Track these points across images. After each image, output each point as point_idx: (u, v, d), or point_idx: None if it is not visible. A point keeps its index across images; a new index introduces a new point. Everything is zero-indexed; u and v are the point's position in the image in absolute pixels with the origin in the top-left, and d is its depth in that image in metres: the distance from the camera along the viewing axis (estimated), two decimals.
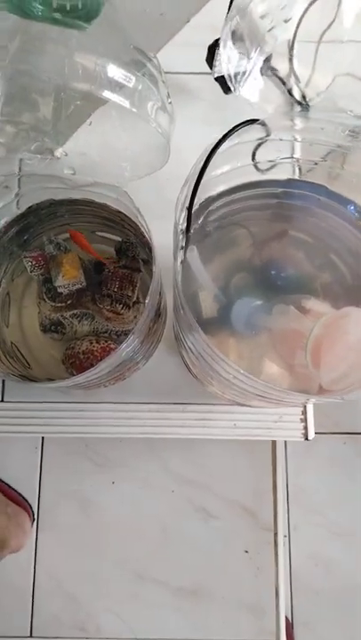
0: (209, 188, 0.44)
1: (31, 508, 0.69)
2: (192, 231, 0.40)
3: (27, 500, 0.69)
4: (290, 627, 0.72)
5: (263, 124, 0.38)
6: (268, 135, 0.40)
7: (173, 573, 0.69)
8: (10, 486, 0.69)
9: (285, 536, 0.73)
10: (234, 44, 0.44)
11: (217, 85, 0.55)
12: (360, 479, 0.75)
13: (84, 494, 0.70)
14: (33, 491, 0.70)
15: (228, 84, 0.46)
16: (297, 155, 0.45)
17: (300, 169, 0.46)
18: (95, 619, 0.68)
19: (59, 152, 0.51)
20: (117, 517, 0.70)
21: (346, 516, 0.74)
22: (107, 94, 0.33)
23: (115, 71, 0.33)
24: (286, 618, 0.69)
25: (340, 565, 0.73)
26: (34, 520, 0.69)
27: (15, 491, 0.69)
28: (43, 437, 0.70)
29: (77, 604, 0.68)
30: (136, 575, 0.69)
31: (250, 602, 0.69)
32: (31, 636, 0.67)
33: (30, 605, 0.68)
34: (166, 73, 0.46)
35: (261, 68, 0.46)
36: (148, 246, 0.47)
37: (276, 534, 0.66)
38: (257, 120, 0.38)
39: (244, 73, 0.45)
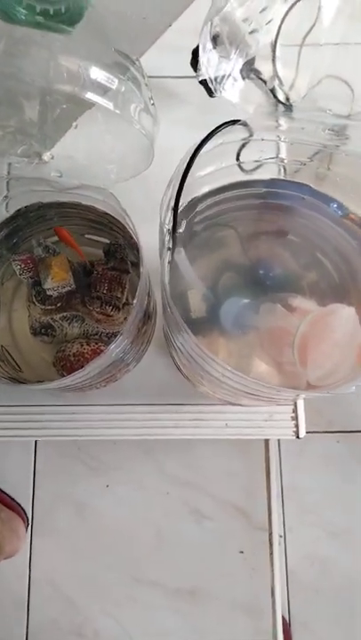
0: (195, 189, 0.44)
1: (25, 512, 0.69)
2: (179, 232, 0.41)
3: (20, 505, 0.69)
4: (287, 626, 0.72)
5: (245, 125, 0.39)
6: (250, 135, 0.41)
7: (169, 575, 0.69)
8: (3, 491, 0.69)
9: (281, 536, 0.73)
10: (215, 47, 0.44)
11: (203, 89, 0.56)
12: (354, 477, 0.76)
13: (78, 498, 0.70)
14: (27, 496, 0.70)
15: (210, 86, 0.46)
16: (282, 155, 0.46)
17: (284, 169, 0.47)
18: (92, 623, 0.67)
19: (47, 155, 0.51)
20: (112, 520, 0.70)
21: (341, 515, 0.74)
22: (90, 96, 0.33)
23: (98, 73, 0.34)
24: (283, 617, 0.70)
25: (336, 564, 0.73)
26: (28, 525, 0.69)
27: (8, 496, 0.69)
28: (36, 442, 0.70)
29: (74, 608, 0.68)
30: (132, 578, 0.69)
31: (246, 602, 0.69)
32: None
33: (26, 611, 0.67)
34: (152, 77, 0.47)
35: (243, 71, 0.47)
36: (136, 248, 0.47)
37: (270, 534, 0.66)
38: (238, 120, 0.38)
39: (224, 75, 0.46)
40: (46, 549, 0.69)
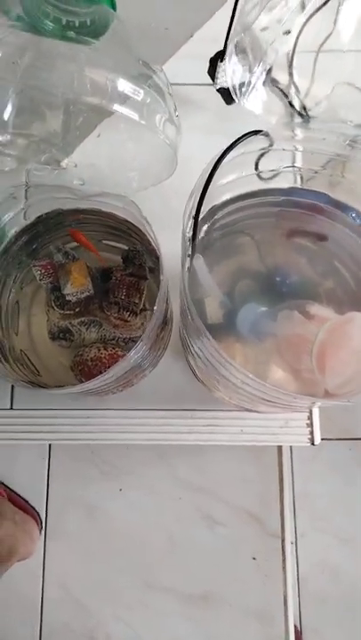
0: (214, 197, 0.45)
1: (39, 515, 0.69)
2: (198, 239, 0.41)
3: (34, 508, 0.70)
4: (299, 634, 0.72)
5: (267, 135, 0.39)
6: (271, 145, 0.41)
7: (182, 581, 0.69)
8: (18, 494, 0.70)
9: (292, 543, 0.73)
10: (236, 54, 0.45)
11: (219, 96, 0.57)
12: None
13: (91, 502, 0.71)
14: (41, 499, 0.70)
15: (233, 96, 0.47)
16: (298, 164, 0.46)
17: (301, 177, 0.47)
18: (104, 627, 0.68)
19: (65, 162, 0.52)
20: (125, 525, 0.70)
21: (352, 522, 0.74)
22: (117, 108, 0.34)
23: (124, 85, 0.35)
24: (295, 626, 0.69)
25: (347, 572, 0.73)
26: (42, 528, 0.69)
27: (23, 499, 0.70)
28: (50, 446, 0.70)
29: (86, 612, 0.68)
30: (144, 583, 0.69)
31: (258, 609, 0.69)
32: None
33: (39, 614, 0.68)
34: (171, 84, 0.48)
35: (265, 83, 0.47)
36: (154, 254, 0.48)
37: (283, 540, 0.66)
38: (261, 131, 0.39)
39: (246, 84, 0.46)
40: (59, 552, 0.69)
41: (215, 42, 0.53)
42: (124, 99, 0.35)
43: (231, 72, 0.45)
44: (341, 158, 0.45)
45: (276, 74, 0.53)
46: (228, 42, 0.43)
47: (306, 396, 0.38)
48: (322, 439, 0.69)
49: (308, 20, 0.50)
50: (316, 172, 0.48)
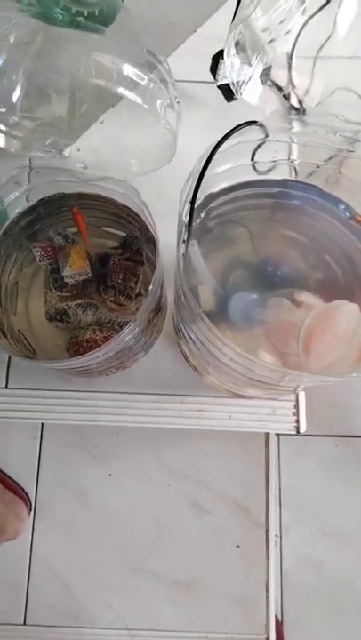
0: (211, 185, 0.47)
1: (28, 497, 0.71)
2: (194, 226, 0.43)
3: (24, 490, 0.71)
4: (280, 626, 0.73)
5: (261, 126, 0.41)
6: (266, 136, 0.43)
7: (167, 566, 0.70)
8: (8, 475, 0.71)
9: (277, 535, 0.74)
10: (237, 53, 0.47)
11: (220, 93, 0.59)
12: (351, 481, 0.77)
13: (81, 485, 0.72)
14: (31, 480, 0.71)
15: (232, 88, 0.49)
16: (293, 156, 0.48)
17: (295, 170, 0.49)
18: (89, 609, 0.69)
19: (67, 151, 0.54)
20: (113, 509, 0.71)
21: (337, 518, 0.75)
22: (121, 90, 0.36)
23: (129, 70, 0.37)
24: (276, 617, 0.71)
25: (330, 567, 0.74)
26: (31, 509, 0.71)
27: (13, 480, 0.71)
28: (42, 427, 0.72)
29: (72, 593, 0.69)
30: (130, 567, 0.70)
31: (241, 596, 0.70)
32: (25, 624, 0.67)
33: (25, 594, 0.69)
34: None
35: (262, 76, 0.49)
36: (152, 241, 0.49)
37: (267, 531, 0.68)
38: (255, 122, 0.41)
39: (244, 77, 0.48)
40: (47, 534, 0.71)
41: (217, 40, 0.55)
42: (128, 82, 0.37)
43: (230, 65, 0.47)
44: (342, 154, 0.47)
45: (275, 72, 0.55)
46: (227, 36, 0.45)
47: (291, 370, 0.40)
48: (309, 435, 0.71)
49: (307, 21, 0.52)
50: (318, 167, 0.49)
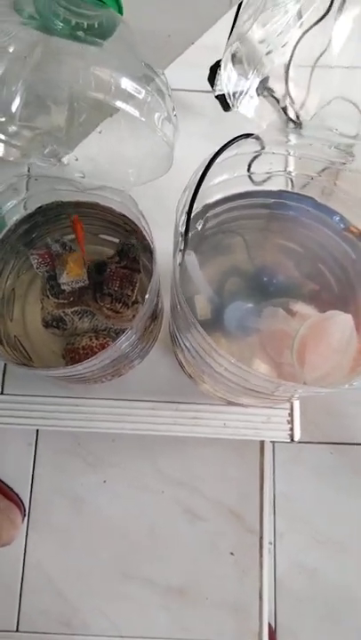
0: (208, 196, 0.47)
1: (22, 503, 0.71)
2: (190, 235, 0.44)
3: (18, 495, 0.71)
4: (273, 632, 0.73)
5: (257, 139, 0.42)
6: (262, 149, 0.44)
7: (161, 573, 0.70)
8: (2, 481, 0.71)
9: (271, 543, 0.74)
10: (233, 65, 0.48)
11: (217, 103, 0.60)
12: (345, 489, 0.77)
13: (75, 492, 0.72)
14: (25, 487, 0.71)
15: (228, 101, 0.50)
16: (290, 168, 0.49)
17: (292, 181, 0.50)
18: (82, 615, 0.69)
19: (66, 159, 0.54)
20: (107, 516, 0.71)
21: (331, 525, 0.76)
22: (119, 104, 0.37)
23: (127, 83, 0.37)
24: (269, 624, 0.71)
25: (323, 574, 0.75)
26: (25, 515, 0.71)
27: (7, 486, 0.71)
28: (37, 434, 0.72)
29: (65, 600, 0.69)
30: (124, 574, 0.70)
31: (234, 604, 0.70)
32: (17, 630, 0.67)
33: (18, 600, 0.68)
34: (171, 90, 0.50)
35: (258, 89, 0.50)
36: (148, 249, 0.50)
37: (261, 538, 0.68)
38: (252, 134, 0.41)
39: (242, 92, 0.49)
40: (41, 541, 0.71)
41: (215, 50, 0.56)
42: (126, 96, 0.37)
43: (227, 78, 0.48)
44: (335, 167, 0.47)
45: (272, 84, 0.56)
46: (225, 50, 0.46)
47: (283, 381, 0.40)
48: (304, 442, 0.71)
49: (304, 34, 0.53)
50: (311, 179, 0.50)
